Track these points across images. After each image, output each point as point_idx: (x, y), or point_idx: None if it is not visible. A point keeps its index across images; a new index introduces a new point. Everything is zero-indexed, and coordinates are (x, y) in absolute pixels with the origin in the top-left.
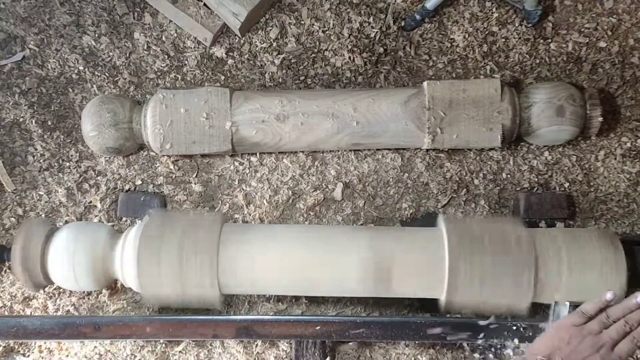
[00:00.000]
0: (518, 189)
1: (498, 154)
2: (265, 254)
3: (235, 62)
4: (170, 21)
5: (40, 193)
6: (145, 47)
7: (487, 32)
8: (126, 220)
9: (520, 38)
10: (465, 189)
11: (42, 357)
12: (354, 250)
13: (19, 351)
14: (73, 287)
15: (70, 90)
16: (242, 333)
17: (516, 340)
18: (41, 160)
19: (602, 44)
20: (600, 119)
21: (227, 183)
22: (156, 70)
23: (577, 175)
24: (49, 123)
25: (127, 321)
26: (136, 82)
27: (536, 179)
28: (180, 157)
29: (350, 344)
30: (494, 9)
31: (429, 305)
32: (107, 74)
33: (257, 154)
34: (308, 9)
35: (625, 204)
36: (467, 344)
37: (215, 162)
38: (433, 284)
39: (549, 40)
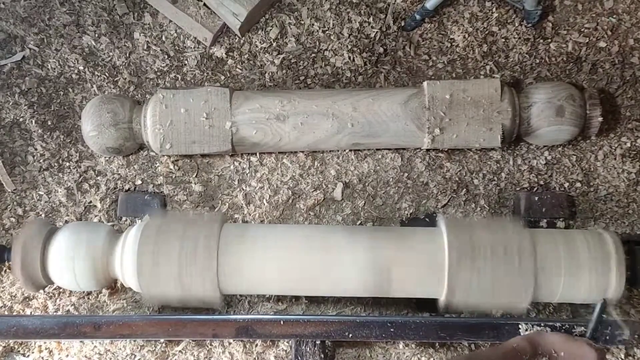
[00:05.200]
0: (518, 189)
1: (498, 154)
2: (265, 254)
3: (235, 62)
4: (170, 21)
5: (40, 193)
6: (145, 47)
7: (487, 32)
8: (126, 220)
9: (520, 38)
10: (465, 189)
11: (42, 357)
12: (354, 250)
13: (19, 351)
14: (73, 287)
15: (70, 90)
16: (241, 333)
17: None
18: (41, 160)
19: (602, 44)
20: (600, 119)
21: (227, 183)
22: (156, 70)
23: (577, 175)
24: (49, 123)
25: (127, 321)
26: (136, 82)
27: (536, 179)
28: (180, 157)
29: None
30: (494, 9)
31: (427, 305)
32: (107, 74)
33: (257, 154)
34: (308, 9)
35: (625, 204)
36: (468, 344)
37: (215, 162)
38: (433, 284)
39: (549, 40)
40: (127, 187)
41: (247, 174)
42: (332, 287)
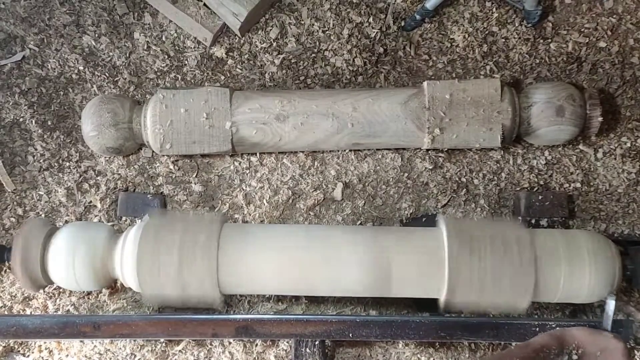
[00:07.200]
0: (518, 189)
1: (498, 154)
2: (265, 254)
3: (235, 62)
4: (170, 21)
5: (40, 193)
6: (145, 47)
7: (487, 32)
8: (126, 220)
9: (520, 38)
10: (465, 189)
11: (42, 357)
12: (354, 250)
13: (19, 351)
14: (73, 287)
15: (70, 90)
16: (241, 332)
17: None
18: (41, 160)
19: (602, 44)
20: (600, 119)
21: (227, 183)
22: (156, 70)
23: (577, 175)
24: (49, 123)
25: (126, 320)
26: (136, 82)
27: (536, 179)
28: (180, 157)
29: None
30: (494, 9)
31: (427, 305)
32: (107, 74)
33: (257, 154)
34: (308, 9)
35: (625, 204)
36: (468, 343)
37: (215, 162)
38: (433, 284)
39: (549, 40)
40: (127, 187)
41: (247, 174)
42: (332, 287)
